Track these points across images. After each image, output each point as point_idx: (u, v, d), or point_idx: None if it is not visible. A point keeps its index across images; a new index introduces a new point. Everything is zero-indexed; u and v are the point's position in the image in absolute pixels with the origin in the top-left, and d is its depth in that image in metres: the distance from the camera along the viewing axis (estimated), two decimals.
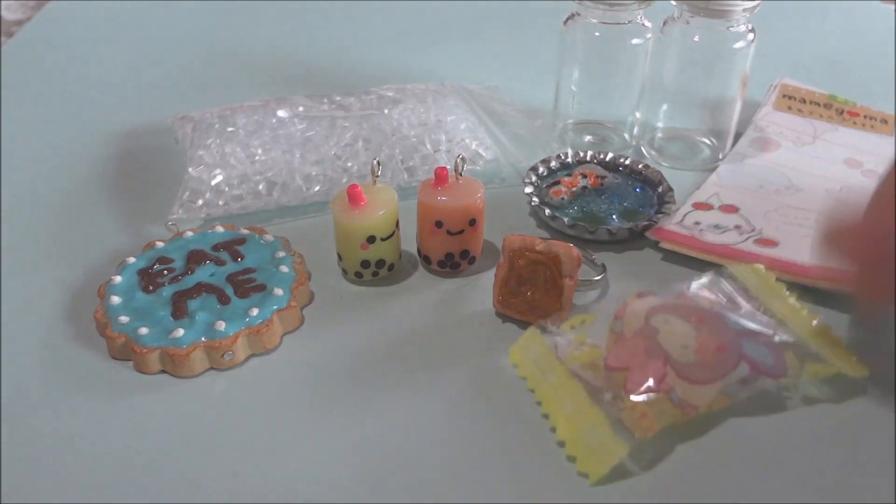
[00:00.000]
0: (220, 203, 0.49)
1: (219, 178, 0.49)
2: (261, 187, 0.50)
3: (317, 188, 0.50)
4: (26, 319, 0.43)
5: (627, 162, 0.53)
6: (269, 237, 0.46)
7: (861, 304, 0.42)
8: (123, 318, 0.40)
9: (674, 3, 0.50)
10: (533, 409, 0.38)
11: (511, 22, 0.79)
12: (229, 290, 0.42)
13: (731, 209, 0.49)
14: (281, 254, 0.44)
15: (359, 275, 0.45)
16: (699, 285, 0.41)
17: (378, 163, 0.43)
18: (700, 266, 0.45)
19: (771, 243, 0.46)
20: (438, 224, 0.43)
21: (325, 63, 0.70)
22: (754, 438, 0.36)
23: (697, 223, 0.48)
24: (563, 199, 0.50)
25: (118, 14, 0.80)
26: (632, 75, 0.54)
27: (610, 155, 0.53)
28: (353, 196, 0.42)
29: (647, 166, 0.52)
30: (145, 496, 0.34)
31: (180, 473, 0.35)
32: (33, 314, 0.43)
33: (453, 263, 0.45)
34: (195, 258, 0.44)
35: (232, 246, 0.45)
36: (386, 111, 0.55)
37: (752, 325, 0.38)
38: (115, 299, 0.41)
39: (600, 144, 0.57)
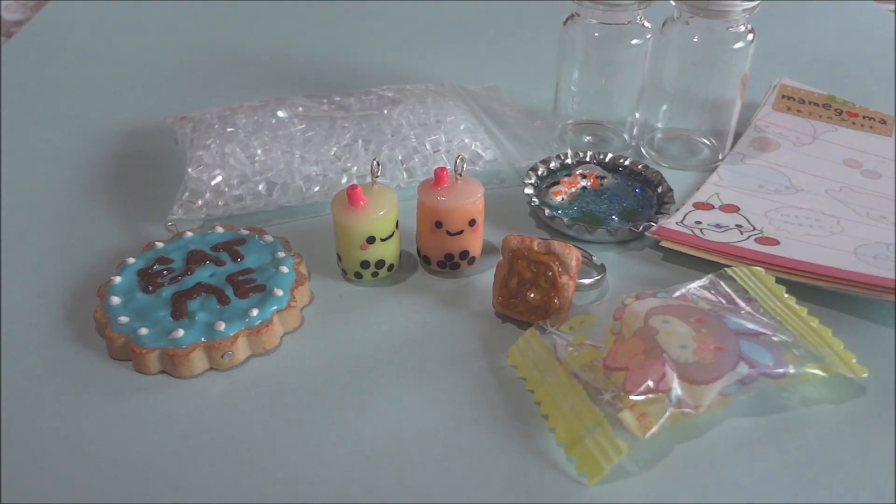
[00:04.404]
0: (220, 203, 0.49)
1: (218, 179, 0.49)
2: (260, 188, 0.50)
3: (316, 188, 0.50)
4: (26, 319, 0.43)
5: (627, 162, 0.53)
6: (268, 237, 0.46)
7: None
8: (123, 319, 0.40)
9: (673, 3, 0.50)
10: (533, 410, 0.38)
11: (511, 22, 0.79)
12: (229, 291, 0.42)
13: (731, 209, 0.50)
14: (281, 254, 0.45)
15: (359, 275, 0.45)
16: (698, 287, 0.41)
17: (378, 163, 0.43)
18: (699, 267, 0.45)
19: (772, 242, 0.46)
20: (438, 224, 0.43)
21: (325, 63, 0.71)
22: (753, 439, 0.36)
23: (698, 223, 0.48)
24: (562, 199, 0.50)
25: (118, 14, 0.80)
26: (631, 76, 0.54)
27: (609, 155, 0.53)
28: (352, 196, 0.42)
29: (646, 167, 0.52)
30: (145, 496, 0.34)
31: (180, 473, 0.35)
32: (33, 314, 0.43)
33: (453, 264, 0.45)
34: (195, 258, 0.44)
35: (232, 246, 0.45)
36: (385, 111, 0.55)
37: (751, 326, 0.38)
38: (115, 300, 0.41)
39: (600, 145, 0.57)
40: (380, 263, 0.44)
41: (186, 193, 0.49)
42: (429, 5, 0.82)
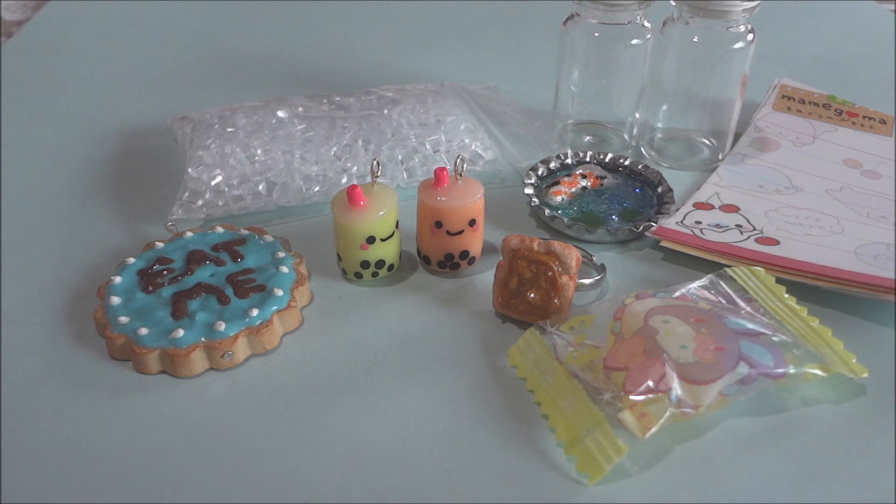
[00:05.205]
0: (220, 203, 0.49)
1: (218, 179, 0.49)
2: (261, 188, 0.50)
3: (317, 188, 0.50)
4: (26, 319, 0.43)
5: (627, 162, 0.53)
6: (268, 237, 0.46)
7: None
8: (123, 319, 0.40)
9: (673, 3, 0.50)
10: (533, 410, 0.38)
11: (511, 22, 0.79)
12: (229, 291, 0.42)
13: (731, 209, 0.50)
14: (281, 254, 0.45)
15: (359, 275, 0.45)
16: (698, 287, 0.41)
17: (378, 163, 0.43)
18: (699, 267, 0.46)
19: (772, 242, 0.46)
20: (438, 224, 0.43)
21: (325, 63, 0.71)
22: (753, 439, 0.36)
23: (698, 223, 0.48)
24: (562, 199, 0.50)
25: (118, 14, 0.80)
26: (631, 76, 0.54)
27: (609, 155, 0.53)
28: (352, 196, 0.42)
29: (646, 167, 0.52)
30: (145, 496, 0.34)
31: (180, 473, 0.35)
32: (33, 314, 0.43)
33: (453, 264, 0.45)
34: (195, 258, 0.44)
35: (232, 246, 0.45)
36: (385, 111, 0.55)
37: (751, 326, 0.38)
38: (115, 300, 0.41)
39: (600, 145, 0.57)
40: (380, 263, 0.44)
41: (186, 193, 0.49)
42: (429, 5, 0.82)
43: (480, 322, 0.43)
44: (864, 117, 0.59)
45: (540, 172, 0.52)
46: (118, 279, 0.43)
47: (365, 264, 0.44)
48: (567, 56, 0.54)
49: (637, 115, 0.56)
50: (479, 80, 0.64)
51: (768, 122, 0.58)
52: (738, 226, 0.48)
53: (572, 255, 0.41)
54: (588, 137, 0.57)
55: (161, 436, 0.36)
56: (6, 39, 0.79)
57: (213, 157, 0.50)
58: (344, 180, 0.51)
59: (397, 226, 0.44)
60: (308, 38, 0.75)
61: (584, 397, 0.36)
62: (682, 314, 0.38)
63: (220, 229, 0.47)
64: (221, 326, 0.39)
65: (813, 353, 0.37)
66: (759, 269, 0.43)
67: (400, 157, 0.52)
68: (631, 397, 0.35)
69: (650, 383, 0.35)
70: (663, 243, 0.46)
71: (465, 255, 0.45)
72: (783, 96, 0.61)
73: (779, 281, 0.42)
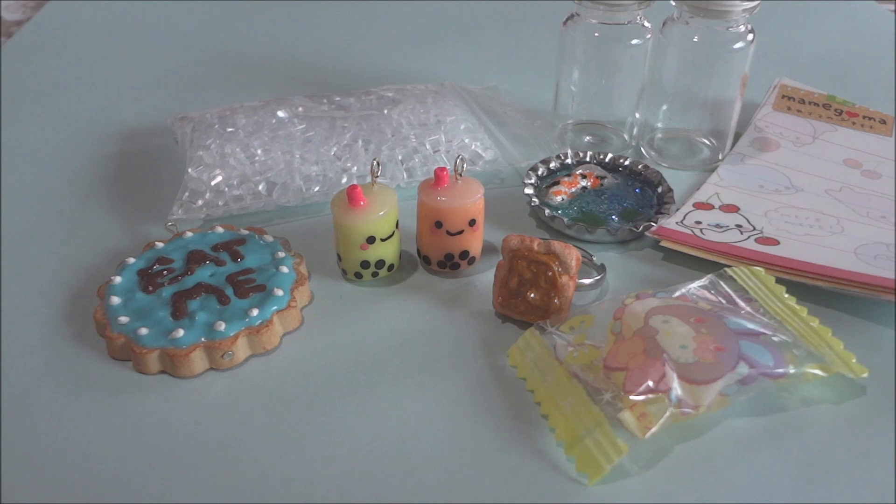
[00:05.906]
0: (220, 203, 0.49)
1: (218, 179, 0.49)
2: (260, 188, 0.50)
3: (316, 188, 0.50)
4: (26, 319, 0.43)
5: (627, 162, 0.53)
6: (268, 237, 0.46)
7: None
8: (123, 319, 0.40)
9: (673, 3, 0.50)
10: (533, 410, 0.38)
11: (511, 22, 0.79)
12: (229, 291, 0.42)
13: (731, 209, 0.50)
14: (281, 254, 0.45)
15: (359, 275, 0.45)
16: (698, 287, 0.41)
17: (378, 163, 0.43)
18: (699, 267, 0.46)
19: (772, 242, 0.46)
20: (438, 224, 0.43)
21: (325, 63, 0.71)
22: (753, 439, 0.36)
23: (698, 223, 0.48)
24: (562, 199, 0.50)
25: (118, 14, 0.80)
26: (631, 76, 0.54)
27: (609, 155, 0.53)
28: (352, 196, 0.42)
29: (646, 167, 0.52)
30: (145, 496, 0.34)
31: (180, 473, 0.35)
32: (33, 314, 0.43)
33: (453, 264, 0.45)
34: (195, 258, 0.44)
35: (232, 246, 0.45)
36: (385, 111, 0.55)
37: (751, 326, 0.38)
38: (115, 300, 0.41)
39: (600, 145, 0.57)
40: (380, 263, 0.44)
41: (186, 193, 0.49)
42: (429, 5, 0.82)
43: (480, 322, 0.43)
44: (864, 117, 0.59)
45: (540, 172, 0.52)
46: (118, 279, 0.43)
47: (365, 264, 0.44)
48: (567, 56, 0.54)
49: (637, 115, 0.56)
50: (479, 80, 0.64)
51: (768, 122, 0.58)
52: (738, 226, 0.48)
53: (572, 255, 0.41)
54: (588, 137, 0.57)
55: (161, 436, 0.36)
56: (6, 39, 0.79)
57: (213, 157, 0.50)
58: (344, 180, 0.51)
59: (397, 226, 0.44)
60: (308, 38, 0.75)
61: (584, 397, 0.36)
62: (682, 314, 0.38)
63: (220, 229, 0.47)
64: (221, 326, 0.39)
65: (813, 353, 0.37)
66: (759, 269, 0.43)
67: (400, 157, 0.52)
68: (631, 397, 0.35)
69: (650, 383, 0.35)
70: (663, 243, 0.46)
71: (465, 255, 0.45)
72: (783, 96, 0.61)
73: (779, 281, 0.42)
